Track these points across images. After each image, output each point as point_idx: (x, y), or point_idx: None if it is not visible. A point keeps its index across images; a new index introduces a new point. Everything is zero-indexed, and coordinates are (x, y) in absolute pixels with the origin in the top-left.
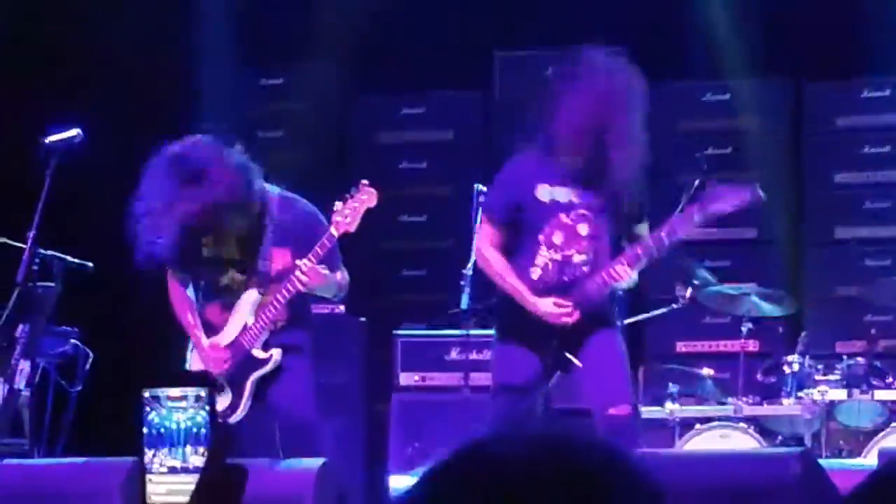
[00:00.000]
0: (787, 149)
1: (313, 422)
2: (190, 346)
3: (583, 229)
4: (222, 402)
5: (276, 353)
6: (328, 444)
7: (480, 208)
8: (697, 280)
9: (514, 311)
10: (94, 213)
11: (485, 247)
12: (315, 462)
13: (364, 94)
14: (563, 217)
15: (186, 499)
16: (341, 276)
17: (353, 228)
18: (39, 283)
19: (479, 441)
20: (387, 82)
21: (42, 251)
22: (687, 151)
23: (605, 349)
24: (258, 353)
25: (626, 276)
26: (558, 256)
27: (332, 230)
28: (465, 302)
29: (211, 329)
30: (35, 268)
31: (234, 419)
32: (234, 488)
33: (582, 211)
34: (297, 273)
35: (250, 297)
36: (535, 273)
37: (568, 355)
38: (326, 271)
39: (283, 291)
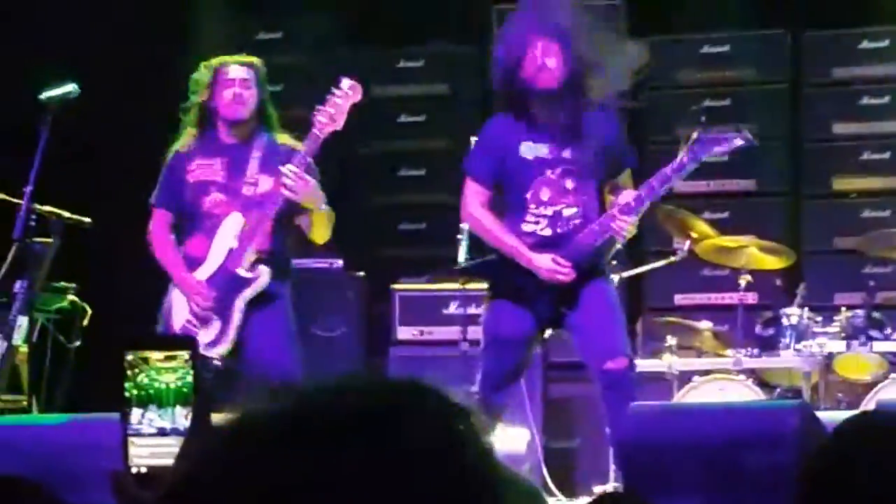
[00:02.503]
0: (785, 100)
1: (292, 373)
2: (169, 289)
3: (569, 183)
4: (210, 332)
5: (263, 272)
6: None
7: (465, 170)
8: (695, 232)
9: (507, 267)
10: (92, 168)
11: (474, 208)
12: None
13: (361, 47)
14: (548, 173)
15: (171, 461)
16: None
17: (340, 125)
18: (37, 240)
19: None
20: (384, 35)
21: (39, 207)
22: (685, 104)
23: (598, 302)
24: (243, 272)
25: (625, 225)
26: (549, 212)
27: (316, 131)
28: (462, 256)
29: (195, 263)
30: (32, 224)
31: (223, 348)
32: None
33: (567, 166)
34: (283, 180)
35: (233, 220)
36: (528, 229)
37: (563, 311)
38: (311, 179)
39: (270, 206)
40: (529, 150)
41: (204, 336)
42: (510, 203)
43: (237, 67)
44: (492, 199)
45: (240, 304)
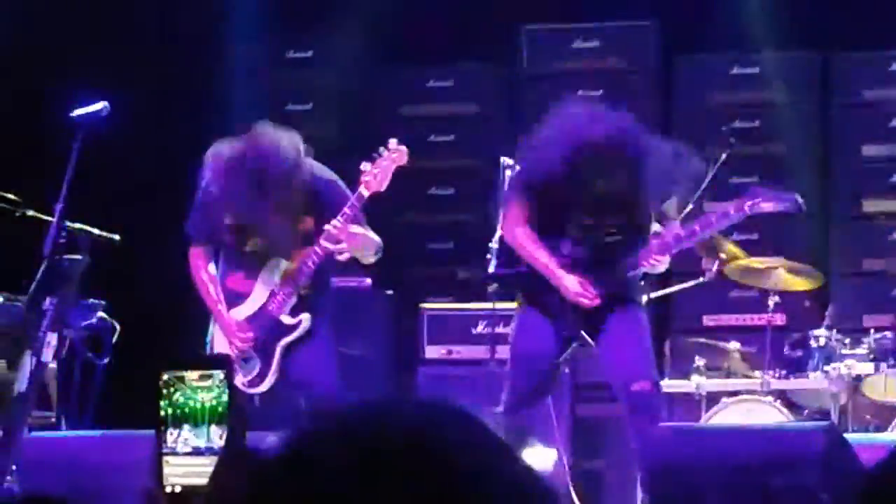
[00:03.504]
0: (815, 122)
1: (336, 392)
2: (212, 321)
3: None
4: (250, 371)
5: (304, 319)
6: None
7: (509, 183)
8: (724, 254)
9: (538, 282)
10: (121, 185)
11: (515, 221)
12: None
13: (391, 67)
14: (586, 195)
15: (204, 480)
16: (373, 234)
17: (383, 187)
18: (66, 256)
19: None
20: (414, 55)
21: (69, 224)
22: (715, 124)
23: (626, 324)
24: (286, 318)
25: (659, 264)
26: (590, 231)
27: (363, 189)
28: (492, 266)
29: (235, 297)
30: (62, 241)
31: (263, 387)
32: None
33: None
34: (328, 233)
35: (277, 263)
36: (566, 248)
37: (584, 334)
38: (359, 230)
39: (313, 256)
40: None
41: (244, 375)
42: (552, 218)
43: None
44: (533, 213)
45: (281, 349)
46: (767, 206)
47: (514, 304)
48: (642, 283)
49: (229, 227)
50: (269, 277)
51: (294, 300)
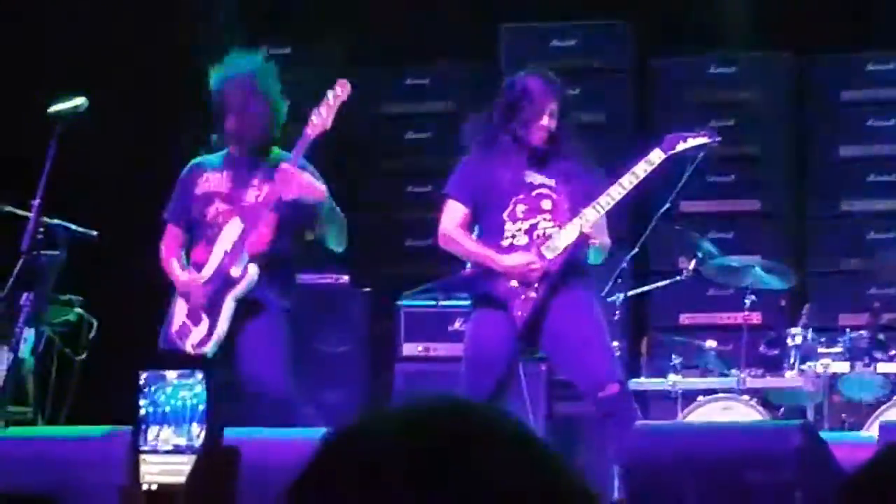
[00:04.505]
0: (792, 122)
1: (285, 391)
2: (174, 298)
3: (546, 204)
4: (201, 330)
5: (251, 270)
6: (305, 413)
7: (446, 191)
8: (701, 252)
9: (484, 280)
10: (99, 181)
11: (450, 226)
12: (316, 432)
13: (369, 65)
14: (524, 194)
15: (182, 479)
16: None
17: (328, 125)
18: (44, 252)
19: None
20: (392, 53)
21: (47, 220)
22: (691, 124)
23: (580, 321)
24: (234, 270)
25: (590, 219)
26: (525, 226)
27: (308, 130)
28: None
29: (199, 269)
30: (40, 236)
31: (210, 346)
32: (229, 470)
33: (543, 190)
34: (278, 176)
35: (233, 226)
36: (505, 243)
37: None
38: (304, 174)
39: (263, 207)
40: (508, 173)
41: (195, 335)
42: (488, 225)
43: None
44: (470, 219)
45: (229, 302)
46: (683, 146)
47: None
48: (619, 280)
49: (197, 197)
50: (226, 239)
51: (246, 258)
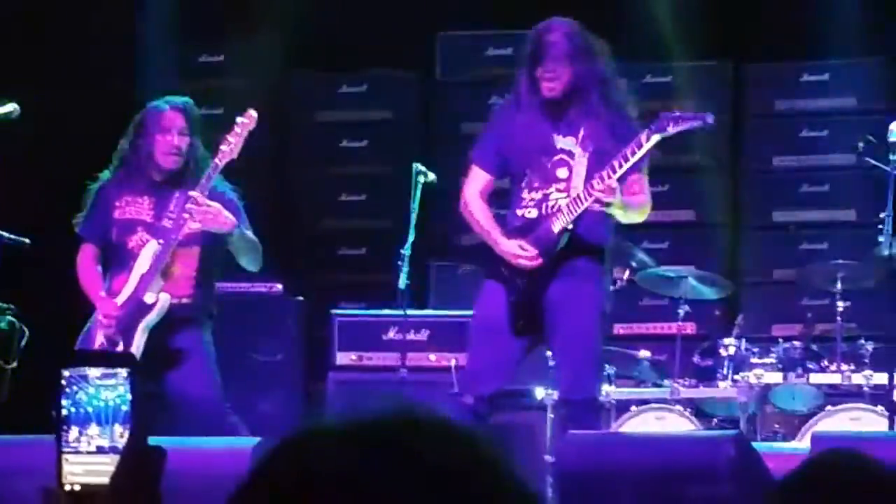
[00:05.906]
0: (726, 132)
1: (215, 406)
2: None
3: (562, 172)
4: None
5: (163, 298)
6: (231, 422)
7: (471, 157)
8: (635, 262)
9: (490, 252)
10: (32, 188)
11: (471, 194)
12: (250, 441)
13: (304, 73)
14: (545, 158)
15: (105, 480)
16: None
17: (235, 154)
18: None
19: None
20: (327, 61)
21: None
22: None
23: (567, 321)
24: (148, 297)
25: (605, 188)
26: (538, 196)
27: (217, 160)
28: (402, 281)
29: (115, 296)
30: None
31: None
32: (154, 471)
33: (563, 156)
34: (188, 205)
35: (149, 248)
36: (520, 214)
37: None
38: (214, 205)
39: (173, 233)
40: (528, 137)
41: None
42: (511, 191)
43: (174, 115)
44: (492, 186)
45: (142, 328)
46: (674, 129)
47: (425, 312)
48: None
49: (116, 222)
50: (142, 263)
51: (160, 282)
